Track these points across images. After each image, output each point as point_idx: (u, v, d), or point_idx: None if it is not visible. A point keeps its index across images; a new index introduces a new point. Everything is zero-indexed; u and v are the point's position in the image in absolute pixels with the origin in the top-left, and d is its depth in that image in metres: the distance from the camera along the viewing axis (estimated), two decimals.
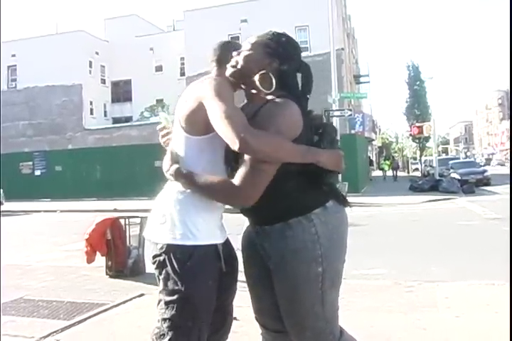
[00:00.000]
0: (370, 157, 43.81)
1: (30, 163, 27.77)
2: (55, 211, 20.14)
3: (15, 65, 40.90)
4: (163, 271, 2.29)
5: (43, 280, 6.61)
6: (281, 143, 2.09)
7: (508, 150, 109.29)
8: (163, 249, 2.27)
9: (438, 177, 25.22)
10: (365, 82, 43.49)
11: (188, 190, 2.27)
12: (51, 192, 25.41)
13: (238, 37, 33.38)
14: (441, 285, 5.99)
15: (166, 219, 2.29)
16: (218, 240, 2.34)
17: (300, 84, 2.51)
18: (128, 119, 40.47)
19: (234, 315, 4.06)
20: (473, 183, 24.66)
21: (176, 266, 2.24)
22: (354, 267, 7.32)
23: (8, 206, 22.29)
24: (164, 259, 2.27)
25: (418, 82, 50.74)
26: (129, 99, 41.65)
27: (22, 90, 39.33)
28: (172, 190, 2.36)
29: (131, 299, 5.48)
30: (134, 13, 45.48)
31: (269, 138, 2.06)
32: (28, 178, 27.12)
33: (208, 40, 29.44)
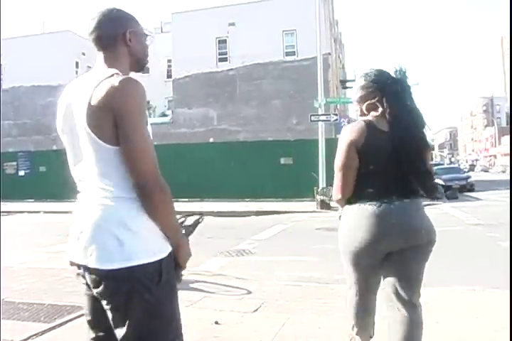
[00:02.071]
0: None
1: (15, 163, 27.58)
2: (39, 212, 20.03)
3: (0, 64, 40.64)
4: (134, 302, 2.00)
5: (24, 282, 6.56)
6: (172, 212, 2.13)
7: (492, 157, 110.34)
8: (126, 275, 1.97)
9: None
10: (351, 87, 43.63)
11: (117, 195, 2.04)
12: (35, 193, 25.24)
13: (226, 40, 33.42)
14: (423, 290, 6.01)
15: (121, 239, 1.98)
16: (170, 247, 2.12)
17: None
18: None
19: (215, 319, 4.06)
20: (457, 189, 24.88)
21: (149, 287, 2.01)
22: (337, 271, 7.34)
23: None
24: (132, 287, 1.99)
25: None
26: None
27: (8, 90, 38.98)
28: (99, 201, 2.06)
29: None
30: None
31: (167, 203, 2.10)
32: (12, 178, 26.91)
33: (196, 42, 29.63)
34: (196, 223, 2.42)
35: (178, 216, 2.27)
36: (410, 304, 3.10)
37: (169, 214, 2.10)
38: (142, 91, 2.05)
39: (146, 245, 2.02)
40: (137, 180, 1.98)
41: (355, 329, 3.39)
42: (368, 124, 3.12)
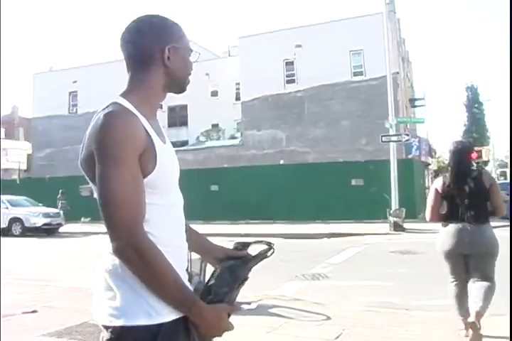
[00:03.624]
0: (430, 185, 42.99)
1: (89, 185, 28.38)
2: None
3: (76, 91, 42.29)
4: None
5: None
6: (164, 276, 1.63)
7: None
8: (117, 335, 1.63)
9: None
10: (420, 106, 43.01)
11: None
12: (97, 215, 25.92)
13: (293, 62, 33.68)
14: (508, 318, 5.85)
15: (116, 292, 1.66)
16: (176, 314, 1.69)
17: None
18: (184, 143, 41.04)
19: None
20: None
21: None
22: (415, 297, 7.25)
23: (68, 227, 22.93)
24: None
25: (477, 105, 49.94)
26: (185, 123, 42.27)
27: (82, 115, 40.40)
28: (106, 247, 1.72)
29: None
30: (191, 39, 46.35)
31: (153, 260, 1.61)
32: (88, 201, 27.68)
33: (263, 65, 30.04)
34: (263, 256, 1.93)
35: (234, 243, 1.99)
36: (486, 280, 5.00)
37: (153, 282, 1.62)
38: (123, 126, 1.64)
39: (142, 303, 1.64)
40: (109, 235, 1.63)
41: (457, 309, 5.15)
42: (448, 178, 5.17)
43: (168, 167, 1.80)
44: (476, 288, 4.90)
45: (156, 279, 1.60)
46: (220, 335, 1.75)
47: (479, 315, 4.63)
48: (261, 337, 5.30)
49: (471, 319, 4.62)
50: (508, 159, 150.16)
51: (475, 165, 6.27)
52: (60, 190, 26.25)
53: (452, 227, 5.03)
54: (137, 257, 1.57)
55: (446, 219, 5.12)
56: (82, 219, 24.89)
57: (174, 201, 1.86)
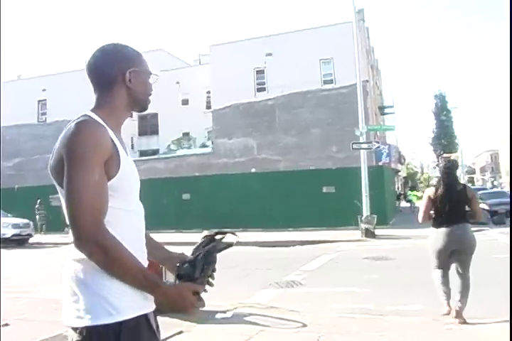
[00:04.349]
0: (400, 192, 43.55)
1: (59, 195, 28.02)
2: None
3: (45, 100, 41.84)
4: None
5: None
6: (126, 264, 1.78)
7: None
8: (84, 335, 1.78)
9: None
10: (390, 113, 43.54)
11: None
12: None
13: (263, 70, 33.82)
14: (482, 322, 5.93)
15: (79, 296, 1.82)
16: (146, 310, 1.90)
17: None
18: (155, 152, 40.87)
19: None
20: (504, 214, 24.32)
21: None
22: (390, 302, 7.29)
23: (38, 238, 22.59)
24: None
25: (445, 112, 50.72)
26: (155, 132, 42.08)
27: (52, 123, 39.98)
28: (70, 250, 1.88)
29: (170, 336, 5.50)
30: (161, 47, 46.31)
31: (118, 254, 1.77)
32: (58, 211, 27.29)
33: (234, 73, 30.06)
34: (229, 243, 2.11)
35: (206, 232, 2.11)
36: (464, 273, 6.29)
37: (116, 270, 1.78)
38: (92, 134, 1.83)
39: (103, 304, 1.79)
40: (72, 235, 1.78)
41: (443, 295, 6.34)
42: (437, 188, 6.47)
43: (129, 175, 1.98)
44: (459, 279, 6.33)
45: (119, 267, 1.77)
46: (189, 312, 1.90)
47: (459, 313, 6.00)
48: None
49: (454, 314, 6.02)
50: (476, 165, 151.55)
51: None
52: (38, 200, 25.88)
53: (443, 230, 6.26)
54: (99, 249, 1.73)
55: (436, 220, 6.37)
56: (66, 229, 24.51)
57: (134, 208, 2.01)
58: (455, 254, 6.29)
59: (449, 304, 6.21)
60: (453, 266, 6.42)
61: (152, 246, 2.14)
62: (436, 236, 6.34)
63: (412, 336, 5.45)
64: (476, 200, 6.62)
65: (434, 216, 6.41)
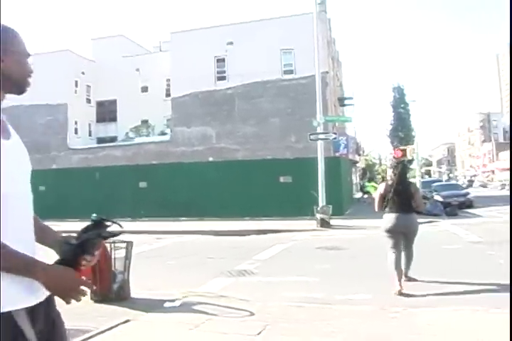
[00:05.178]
0: (361, 183, 44.03)
1: None
2: None
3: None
4: None
5: None
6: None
7: (490, 172, 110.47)
8: None
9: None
10: (349, 105, 43.81)
11: None
12: (34, 212, 25.15)
13: (224, 59, 33.61)
14: (426, 310, 6.03)
15: None
16: (19, 304, 1.78)
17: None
18: (113, 139, 40.35)
19: None
20: (456, 206, 24.84)
21: None
22: (339, 292, 7.37)
23: None
24: None
25: (403, 105, 51.42)
26: (114, 119, 41.53)
27: (6, 109, 38.35)
28: None
29: (116, 325, 5.45)
30: (121, 33, 45.66)
31: None
32: None
33: (194, 61, 29.73)
34: (113, 234, 2.07)
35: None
36: (409, 250, 8.00)
37: None
38: None
39: None
40: None
41: (397, 275, 7.51)
42: (388, 184, 8.12)
43: (5, 158, 1.85)
44: (404, 256, 7.95)
45: None
46: (73, 296, 1.85)
47: (406, 274, 7.92)
48: (183, 334, 5.25)
49: (402, 281, 7.51)
50: (433, 158, 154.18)
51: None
52: None
53: (393, 215, 7.86)
54: None
55: (388, 208, 7.95)
56: None
57: (16, 193, 1.91)
58: (402, 236, 7.91)
59: (400, 284, 7.33)
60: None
61: (39, 229, 2.07)
62: (387, 220, 7.91)
63: (358, 324, 5.52)
64: (418, 194, 8.35)
65: (386, 205, 7.98)
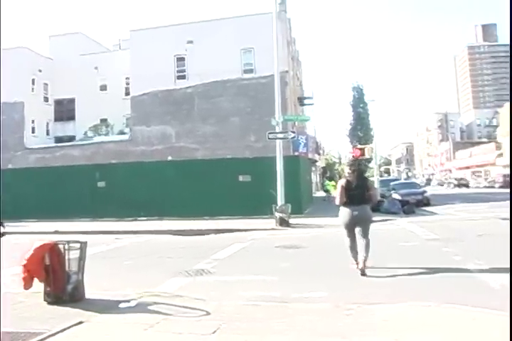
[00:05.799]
0: (321, 182, 44.30)
1: None
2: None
3: None
4: None
5: None
6: None
7: (447, 171, 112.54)
8: None
9: (380, 198, 25.62)
10: (309, 104, 44.12)
11: None
12: None
13: (184, 58, 33.48)
14: (380, 307, 6.11)
15: None
16: None
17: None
18: (71, 139, 39.82)
19: None
20: (414, 204, 25.23)
21: None
22: (296, 290, 7.41)
23: None
24: None
25: (362, 105, 52.00)
26: (72, 117, 40.97)
27: None
28: None
29: (69, 327, 5.37)
30: (80, 31, 45.07)
31: None
32: None
33: (154, 60, 29.47)
34: None
35: None
36: (366, 238, 8.81)
37: None
38: None
39: None
40: None
41: (352, 257, 8.93)
42: (347, 180, 9.03)
43: None
44: (361, 243, 8.86)
45: None
46: None
47: (364, 262, 8.59)
48: (137, 334, 5.21)
49: (361, 266, 8.57)
50: (392, 157, 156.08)
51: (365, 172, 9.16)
52: None
53: (350, 207, 8.87)
54: None
55: (346, 202, 8.90)
56: None
57: None
58: (358, 225, 8.93)
59: (356, 261, 8.84)
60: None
61: None
62: (344, 212, 8.96)
63: (312, 322, 5.55)
64: (373, 189, 9.59)
65: (345, 199, 8.91)
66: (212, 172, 23.03)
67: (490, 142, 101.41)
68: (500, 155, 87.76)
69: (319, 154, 51.19)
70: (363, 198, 8.92)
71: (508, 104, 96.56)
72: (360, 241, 8.89)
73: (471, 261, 9.06)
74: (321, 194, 42.22)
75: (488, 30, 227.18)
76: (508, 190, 49.76)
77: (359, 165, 9.65)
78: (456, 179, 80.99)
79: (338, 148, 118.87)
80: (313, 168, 48.94)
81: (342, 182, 9.19)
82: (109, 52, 42.88)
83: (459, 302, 6.00)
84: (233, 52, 31.92)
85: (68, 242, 6.83)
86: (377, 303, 6.29)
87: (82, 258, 6.92)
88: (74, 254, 6.87)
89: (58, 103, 41.27)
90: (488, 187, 62.20)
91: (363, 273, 8.45)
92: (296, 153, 29.29)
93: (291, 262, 10.32)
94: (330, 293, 7.17)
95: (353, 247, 9.01)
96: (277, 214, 18.24)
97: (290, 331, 5.24)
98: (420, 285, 7.51)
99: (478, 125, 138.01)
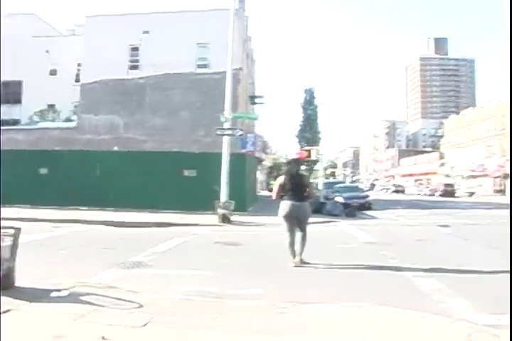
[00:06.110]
0: (268, 181, 44.46)
1: None
2: None
3: None
4: None
5: None
6: None
7: (390, 177, 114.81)
8: None
9: (323, 200, 25.93)
10: (259, 103, 44.20)
11: None
12: None
13: (138, 48, 33.08)
14: (314, 307, 6.18)
15: None
16: None
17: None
18: (16, 122, 38.79)
19: (103, 334, 3.94)
20: (356, 207, 25.65)
21: None
22: (232, 286, 7.42)
23: None
24: None
25: (312, 107, 52.48)
26: (18, 101, 39.90)
27: None
28: None
29: None
30: (33, 12, 43.97)
31: None
32: None
33: (108, 48, 29.01)
34: None
35: None
36: (303, 232, 9.43)
37: None
38: None
39: None
40: None
41: (290, 254, 9.30)
42: (285, 177, 9.61)
43: None
44: (298, 235, 9.36)
45: None
46: None
47: (300, 256, 9.21)
48: (66, 324, 5.11)
49: (297, 259, 9.19)
50: (339, 160, 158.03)
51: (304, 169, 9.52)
52: None
53: (288, 203, 9.34)
54: None
55: (284, 197, 9.40)
56: None
57: None
58: (296, 220, 9.39)
59: (294, 257, 9.21)
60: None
61: None
62: (284, 206, 9.40)
63: (245, 319, 5.57)
64: (310, 185, 10.24)
65: (283, 195, 9.45)
66: (158, 165, 22.85)
67: (434, 151, 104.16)
68: (443, 164, 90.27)
69: (266, 153, 51.37)
70: (301, 194, 9.42)
71: (453, 115, 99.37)
72: (298, 234, 9.38)
73: (406, 265, 9.26)
74: (266, 193, 42.44)
75: (439, 43, 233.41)
76: (447, 199, 51.32)
77: (296, 163, 10.12)
78: (394, 185, 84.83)
79: (286, 149, 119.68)
80: (260, 167, 49.14)
81: (281, 179, 9.75)
82: (62, 37, 42.00)
83: (391, 304, 6.13)
84: (189, 46, 31.72)
85: (0, 228, 6.65)
86: (312, 303, 6.36)
87: (15, 245, 6.75)
88: (7, 241, 6.69)
89: (5, 85, 40.07)
90: (429, 195, 64.02)
91: (298, 266, 9.01)
92: (243, 151, 29.28)
93: (230, 259, 10.33)
94: (266, 290, 7.20)
95: (292, 243, 9.38)
96: (220, 211, 18.24)
97: (224, 327, 5.24)
98: (355, 286, 7.62)
99: (424, 134, 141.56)
